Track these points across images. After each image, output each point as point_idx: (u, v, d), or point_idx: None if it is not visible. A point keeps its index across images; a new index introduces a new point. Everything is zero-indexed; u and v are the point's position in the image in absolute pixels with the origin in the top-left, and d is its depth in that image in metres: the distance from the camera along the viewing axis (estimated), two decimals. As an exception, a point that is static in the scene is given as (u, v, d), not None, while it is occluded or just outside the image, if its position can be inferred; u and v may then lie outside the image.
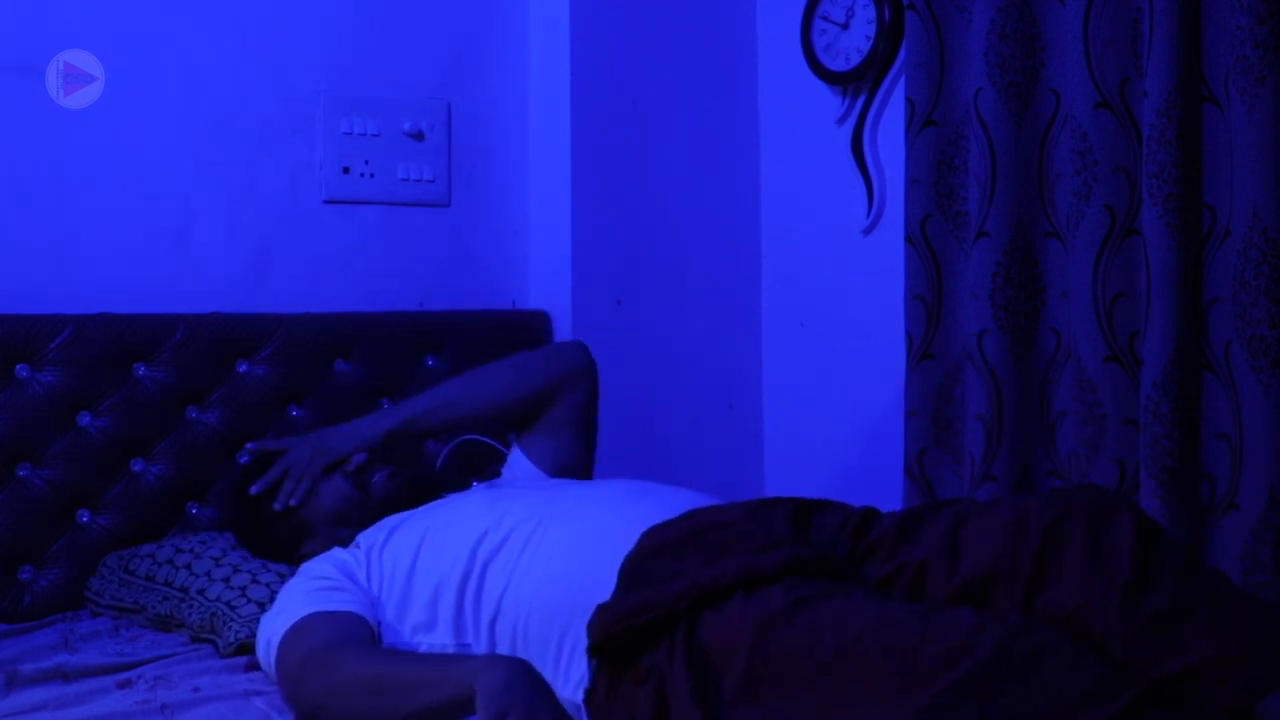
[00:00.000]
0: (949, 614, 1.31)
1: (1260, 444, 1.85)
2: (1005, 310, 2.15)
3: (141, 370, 2.11)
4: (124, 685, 1.62)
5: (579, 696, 1.49)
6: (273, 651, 1.58)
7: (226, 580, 1.85)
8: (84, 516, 2.05)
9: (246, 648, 1.73)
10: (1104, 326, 2.01)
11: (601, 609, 1.47)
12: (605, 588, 1.51)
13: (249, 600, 1.80)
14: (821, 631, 1.33)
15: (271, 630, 1.61)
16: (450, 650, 1.62)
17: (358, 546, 1.78)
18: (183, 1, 2.25)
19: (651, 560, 1.52)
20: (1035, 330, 2.17)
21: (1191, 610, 1.31)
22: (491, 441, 2.26)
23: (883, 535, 1.53)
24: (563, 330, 2.53)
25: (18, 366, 2.02)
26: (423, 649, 1.64)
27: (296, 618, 1.59)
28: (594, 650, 1.47)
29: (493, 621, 1.59)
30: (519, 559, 1.61)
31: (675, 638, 1.41)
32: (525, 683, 1.37)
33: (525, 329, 2.51)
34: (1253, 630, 1.30)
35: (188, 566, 1.91)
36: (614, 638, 1.45)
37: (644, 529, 1.56)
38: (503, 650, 1.58)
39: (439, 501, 1.88)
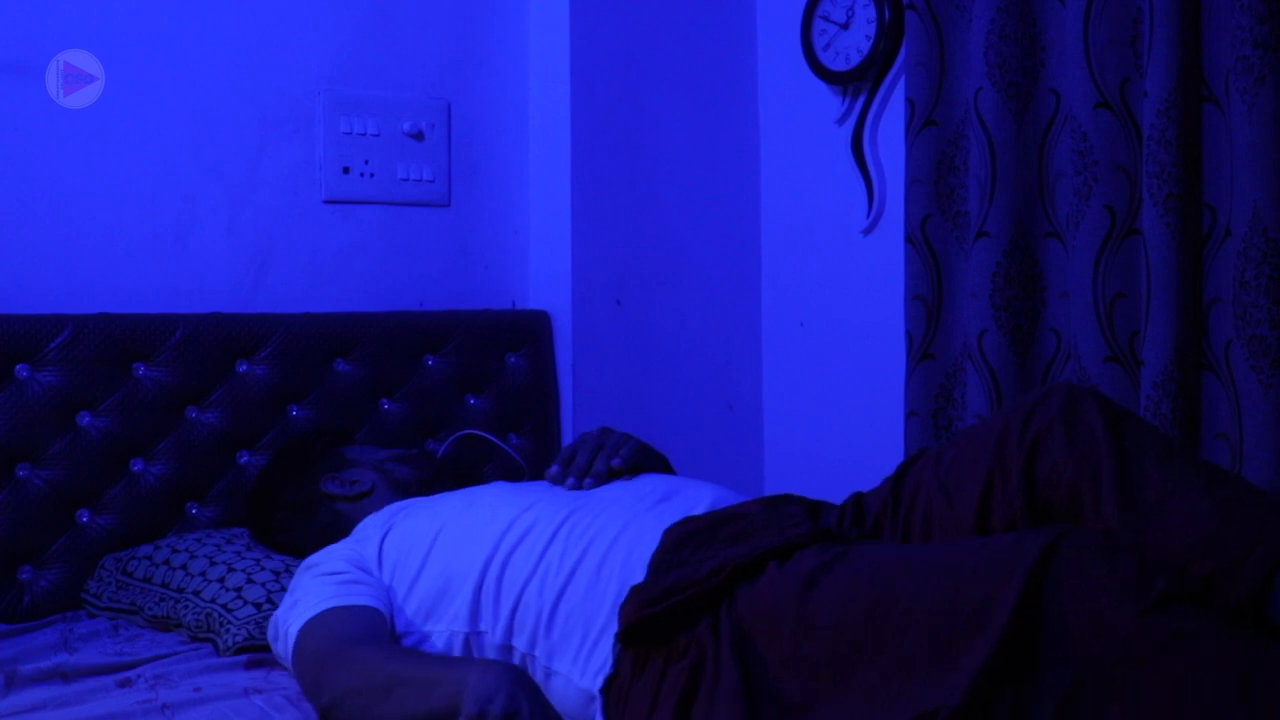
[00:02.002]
0: (984, 540, 1.33)
1: (1260, 444, 1.84)
2: (1005, 310, 2.14)
3: (141, 370, 2.11)
4: (124, 685, 1.62)
5: (598, 685, 1.49)
6: (290, 645, 1.58)
7: (221, 580, 1.85)
8: (84, 516, 2.05)
9: (246, 650, 1.73)
10: (1104, 326, 2.01)
11: (635, 590, 1.48)
12: (637, 579, 1.52)
13: (245, 602, 1.80)
14: (860, 577, 1.34)
15: (288, 623, 1.60)
16: (460, 635, 1.61)
17: (359, 540, 1.77)
18: (183, 1, 2.25)
19: (677, 550, 1.53)
20: (1035, 330, 2.17)
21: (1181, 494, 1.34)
22: (493, 438, 2.26)
23: (881, 506, 1.58)
24: (563, 330, 2.53)
25: (18, 366, 2.02)
26: (434, 636, 1.63)
27: (314, 612, 1.59)
28: (625, 633, 1.46)
29: (513, 611, 1.59)
30: (545, 550, 1.61)
31: (718, 615, 1.42)
32: (512, 681, 1.37)
33: (525, 329, 2.51)
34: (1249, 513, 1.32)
35: (183, 567, 1.91)
36: (647, 620, 1.45)
37: (670, 523, 1.58)
38: (520, 639, 1.58)
39: (455, 492, 1.87)
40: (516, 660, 1.58)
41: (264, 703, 1.54)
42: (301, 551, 1.89)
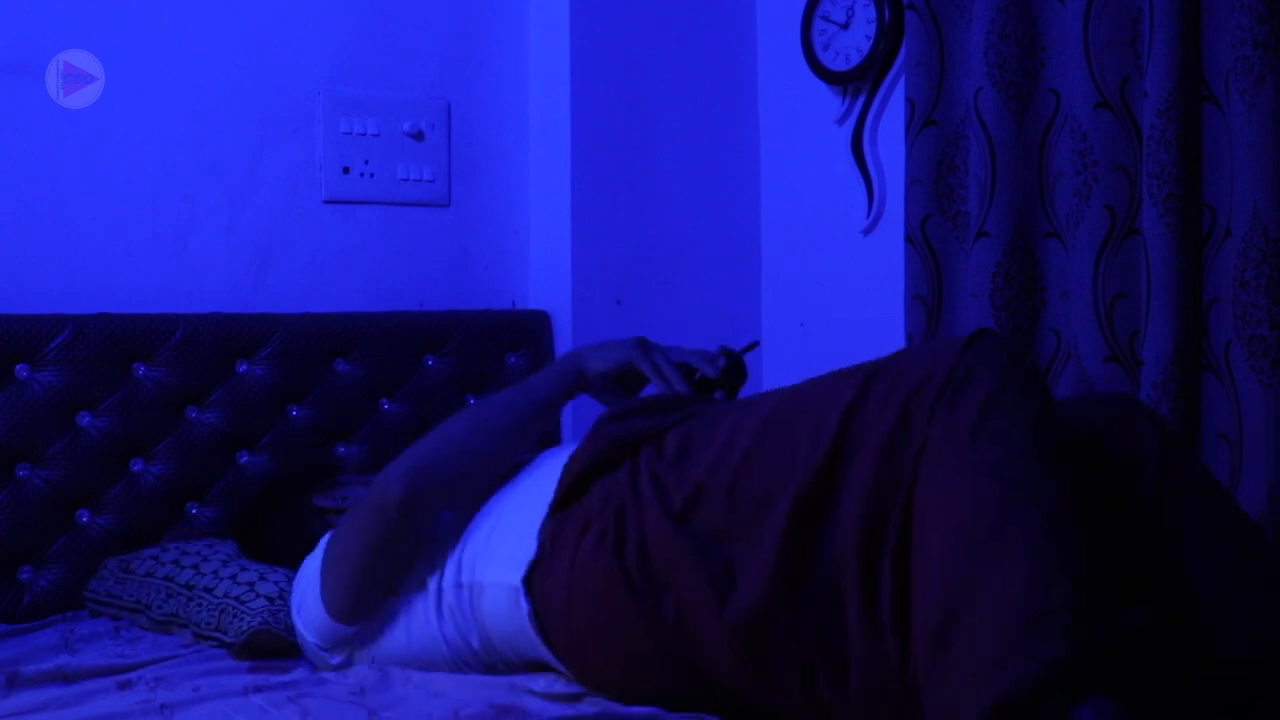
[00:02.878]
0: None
1: (1260, 444, 1.84)
2: (1005, 310, 2.15)
3: (141, 370, 2.11)
4: (124, 686, 1.62)
5: (519, 576, 1.54)
6: (319, 602, 1.65)
7: (234, 578, 1.85)
8: (84, 516, 2.05)
9: (253, 646, 1.73)
10: (1104, 326, 2.01)
11: (577, 453, 1.57)
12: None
13: (258, 595, 1.80)
14: (733, 430, 1.47)
15: (320, 556, 1.67)
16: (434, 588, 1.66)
17: None
18: (183, 1, 2.25)
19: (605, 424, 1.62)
20: (1035, 330, 2.17)
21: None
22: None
23: None
24: (563, 330, 2.54)
25: (18, 366, 2.02)
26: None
27: (319, 565, 1.66)
28: (568, 486, 1.55)
29: (460, 551, 1.65)
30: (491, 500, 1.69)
31: (638, 460, 1.51)
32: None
33: (525, 329, 2.51)
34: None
35: (195, 568, 1.90)
36: (590, 467, 1.54)
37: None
38: (465, 573, 1.63)
39: None
40: (462, 594, 1.62)
41: (264, 701, 1.54)
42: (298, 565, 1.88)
